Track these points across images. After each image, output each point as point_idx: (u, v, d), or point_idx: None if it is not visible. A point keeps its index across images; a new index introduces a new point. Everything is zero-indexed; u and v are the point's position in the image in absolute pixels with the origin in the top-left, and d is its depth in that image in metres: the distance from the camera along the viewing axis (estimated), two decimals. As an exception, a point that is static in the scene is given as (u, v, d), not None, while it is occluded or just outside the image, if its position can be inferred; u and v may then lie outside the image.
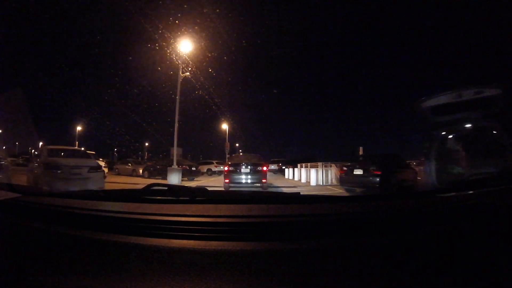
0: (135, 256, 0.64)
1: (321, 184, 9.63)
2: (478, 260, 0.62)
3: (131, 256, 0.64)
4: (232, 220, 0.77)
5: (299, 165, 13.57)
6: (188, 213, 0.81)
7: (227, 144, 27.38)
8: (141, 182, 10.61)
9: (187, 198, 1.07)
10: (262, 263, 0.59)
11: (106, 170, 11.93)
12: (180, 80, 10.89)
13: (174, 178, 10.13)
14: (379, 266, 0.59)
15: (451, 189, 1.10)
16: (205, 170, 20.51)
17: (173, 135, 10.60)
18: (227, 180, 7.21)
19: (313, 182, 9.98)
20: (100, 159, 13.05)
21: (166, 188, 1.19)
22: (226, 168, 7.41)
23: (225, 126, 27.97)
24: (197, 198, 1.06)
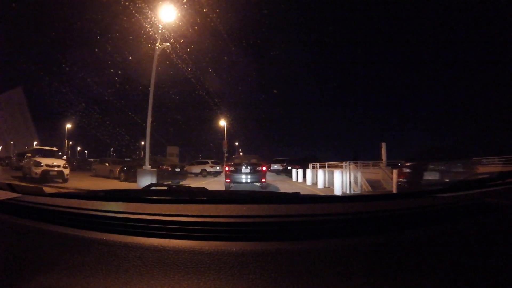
0: (134, 256, 0.65)
1: (348, 191, 5.84)
2: (478, 260, 0.61)
3: (131, 256, 0.65)
4: (232, 220, 0.77)
5: (311, 165, 9.85)
6: (188, 213, 0.81)
7: (225, 142, 23.84)
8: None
9: (187, 198, 1.10)
10: (262, 263, 0.59)
11: (67, 170, 10.10)
12: (157, 52, 7.36)
13: (146, 182, 7.58)
14: (379, 266, 0.59)
15: (451, 189, 1.08)
16: (199, 171, 18.27)
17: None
18: (228, 180, 7.54)
19: (337, 190, 7.50)
20: (63, 158, 11.79)
21: (166, 188, 1.23)
22: (227, 169, 7.80)
23: (223, 123, 23.96)
24: (197, 198, 1.09)
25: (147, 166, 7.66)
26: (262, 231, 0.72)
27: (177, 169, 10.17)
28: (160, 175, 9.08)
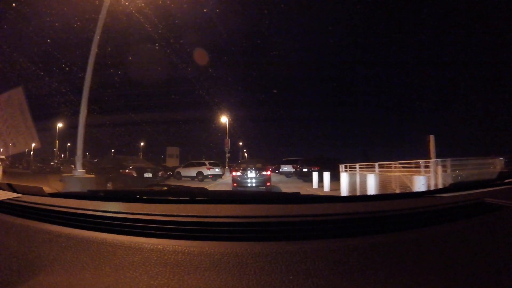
0: (134, 256, 0.65)
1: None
2: (478, 260, 0.62)
3: (131, 256, 0.65)
4: (232, 220, 0.78)
5: (343, 167, 5.47)
6: (188, 213, 0.82)
7: (227, 141, 22.42)
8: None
9: (187, 198, 1.09)
10: (262, 263, 0.59)
11: (-2, 175, 7.41)
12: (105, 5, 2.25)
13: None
14: (379, 266, 0.59)
15: (451, 189, 1.06)
16: (194, 174, 15.02)
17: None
18: (235, 184, 7.99)
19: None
20: (1, 157, 10.14)
21: (166, 188, 1.24)
22: (234, 173, 8.11)
23: (224, 120, 20.53)
24: (197, 198, 1.08)
25: (78, 171, 4.04)
26: (263, 231, 0.74)
27: (148, 175, 6.46)
28: (121, 181, 5.46)
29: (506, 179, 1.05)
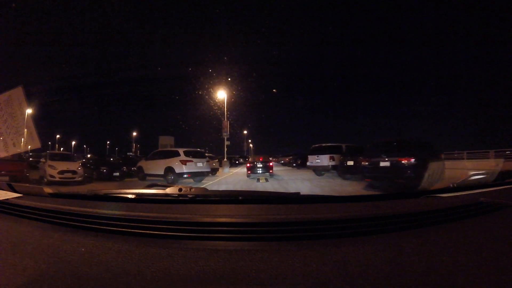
0: (134, 256, 0.67)
1: None
2: (478, 260, 0.63)
3: (130, 257, 0.67)
4: (232, 220, 0.81)
5: None
6: (188, 213, 0.88)
7: (226, 123, 15.18)
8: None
9: (187, 198, 1.12)
10: (261, 263, 0.61)
11: None
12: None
13: None
14: (379, 266, 0.61)
15: (451, 189, 1.04)
16: (162, 172, 8.54)
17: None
18: (249, 172, 12.03)
19: None
20: None
21: (166, 188, 1.24)
22: (248, 165, 12.29)
23: (222, 95, 16.16)
24: (197, 198, 1.10)
25: None
26: (263, 231, 0.73)
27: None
28: None
29: (506, 179, 1.02)
